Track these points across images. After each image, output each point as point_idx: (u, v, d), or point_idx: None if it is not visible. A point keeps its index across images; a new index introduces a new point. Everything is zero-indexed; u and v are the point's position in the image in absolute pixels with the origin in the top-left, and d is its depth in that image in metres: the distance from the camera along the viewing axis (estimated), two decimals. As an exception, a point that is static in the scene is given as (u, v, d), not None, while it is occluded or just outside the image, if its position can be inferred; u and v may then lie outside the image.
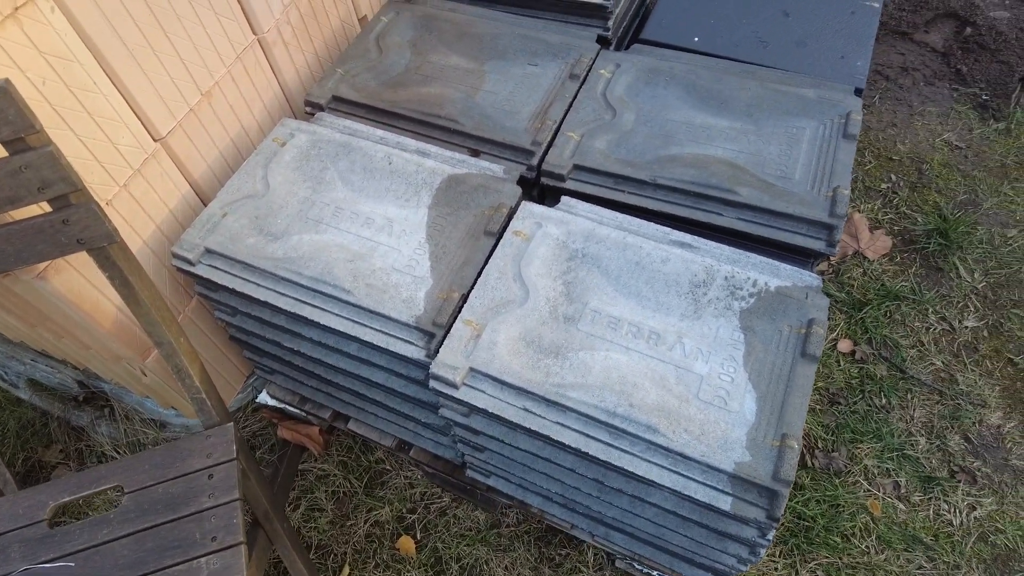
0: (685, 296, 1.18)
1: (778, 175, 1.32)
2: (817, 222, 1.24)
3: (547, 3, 1.73)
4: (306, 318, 1.23)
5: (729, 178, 1.31)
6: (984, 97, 2.28)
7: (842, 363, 1.82)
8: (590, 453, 1.04)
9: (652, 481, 1.02)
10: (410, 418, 1.40)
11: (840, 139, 1.36)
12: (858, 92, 1.60)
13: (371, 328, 1.20)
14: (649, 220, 1.32)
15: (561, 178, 1.37)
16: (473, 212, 1.31)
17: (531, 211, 1.29)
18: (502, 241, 1.25)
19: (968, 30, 2.40)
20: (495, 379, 1.10)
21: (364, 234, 1.31)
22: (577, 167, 1.37)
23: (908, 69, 2.38)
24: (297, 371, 1.50)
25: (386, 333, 1.19)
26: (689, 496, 1.00)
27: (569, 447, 1.06)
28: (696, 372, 1.10)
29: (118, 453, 1.81)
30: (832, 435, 1.71)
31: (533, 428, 1.07)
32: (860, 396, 1.77)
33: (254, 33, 1.47)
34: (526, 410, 1.08)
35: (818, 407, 1.76)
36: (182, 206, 1.40)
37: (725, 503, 0.99)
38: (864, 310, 1.88)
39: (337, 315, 1.22)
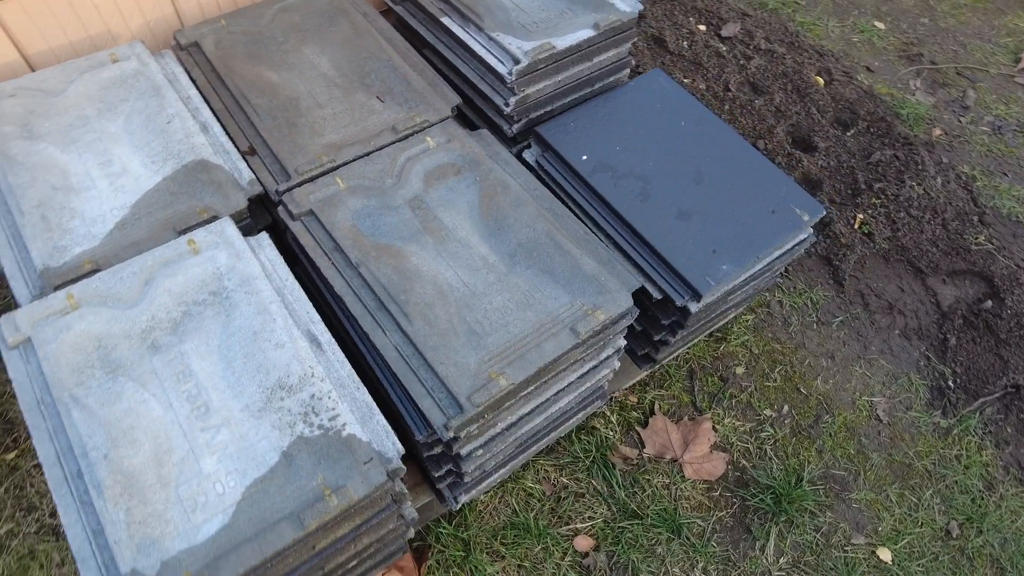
0: (264, 390, 1.07)
1: (475, 329, 1.16)
2: (453, 399, 1.08)
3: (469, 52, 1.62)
4: None
5: (420, 304, 1.17)
6: (950, 383, 1.87)
7: (569, 557, 1.60)
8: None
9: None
10: None
11: (566, 331, 1.16)
12: (696, 295, 1.37)
13: (15, 255, 1.21)
14: (337, 303, 1.22)
15: (291, 216, 1.29)
16: (189, 203, 1.27)
17: (227, 230, 1.23)
18: (172, 242, 1.20)
19: (989, 303, 1.96)
20: (40, 360, 1.07)
21: (93, 171, 1.31)
22: (312, 213, 1.29)
23: (895, 309, 2.00)
24: None
25: None
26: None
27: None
28: (202, 466, 1.01)
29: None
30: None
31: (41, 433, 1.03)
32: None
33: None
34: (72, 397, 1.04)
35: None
36: (4, 71, 1.47)
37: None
38: (629, 523, 1.64)
39: None
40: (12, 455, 1.66)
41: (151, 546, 0.94)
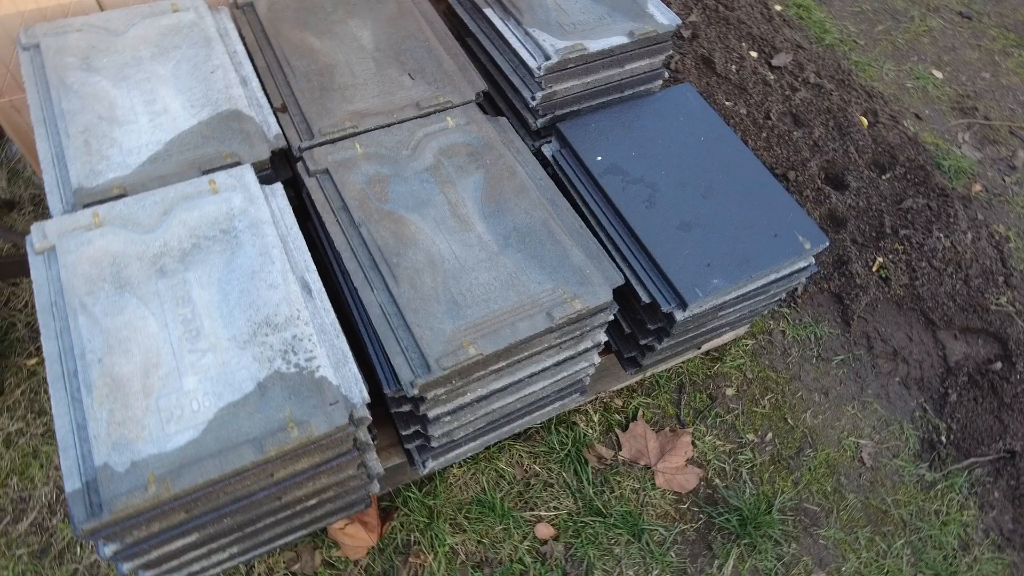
0: (251, 325, 1.15)
1: (457, 300, 1.22)
2: (423, 359, 1.14)
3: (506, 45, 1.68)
4: (40, 135, 1.38)
5: (410, 268, 1.23)
6: (943, 438, 1.84)
7: (528, 542, 1.64)
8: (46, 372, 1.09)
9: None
10: None
11: (542, 314, 1.21)
12: (683, 303, 1.40)
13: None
14: (335, 257, 1.29)
15: (308, 172, 1.37)
16: (217, 147, 1.37)
17: (246, 176, 1.31)
18: (195, 180, 1.30)
19: (999, 365, 1.92)
20: (59, 267, 1.17)
21: (138, 108, 1.42)
22: (327, 172, 1.36)
23: (899, 356, 1.98)
24: None
25: (58, 182, 1.30)
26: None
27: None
28: (183, 383, 1.09)
29: None
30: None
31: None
32: (509, 582, 1.59)
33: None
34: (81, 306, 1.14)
35: None
36: (76, 8, 1.60)
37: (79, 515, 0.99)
38: (592, 519, 1.67)
39: (51, 147, 1.35)
40: (33, 361, 1.79)
41: (125, 446, 1.02)
